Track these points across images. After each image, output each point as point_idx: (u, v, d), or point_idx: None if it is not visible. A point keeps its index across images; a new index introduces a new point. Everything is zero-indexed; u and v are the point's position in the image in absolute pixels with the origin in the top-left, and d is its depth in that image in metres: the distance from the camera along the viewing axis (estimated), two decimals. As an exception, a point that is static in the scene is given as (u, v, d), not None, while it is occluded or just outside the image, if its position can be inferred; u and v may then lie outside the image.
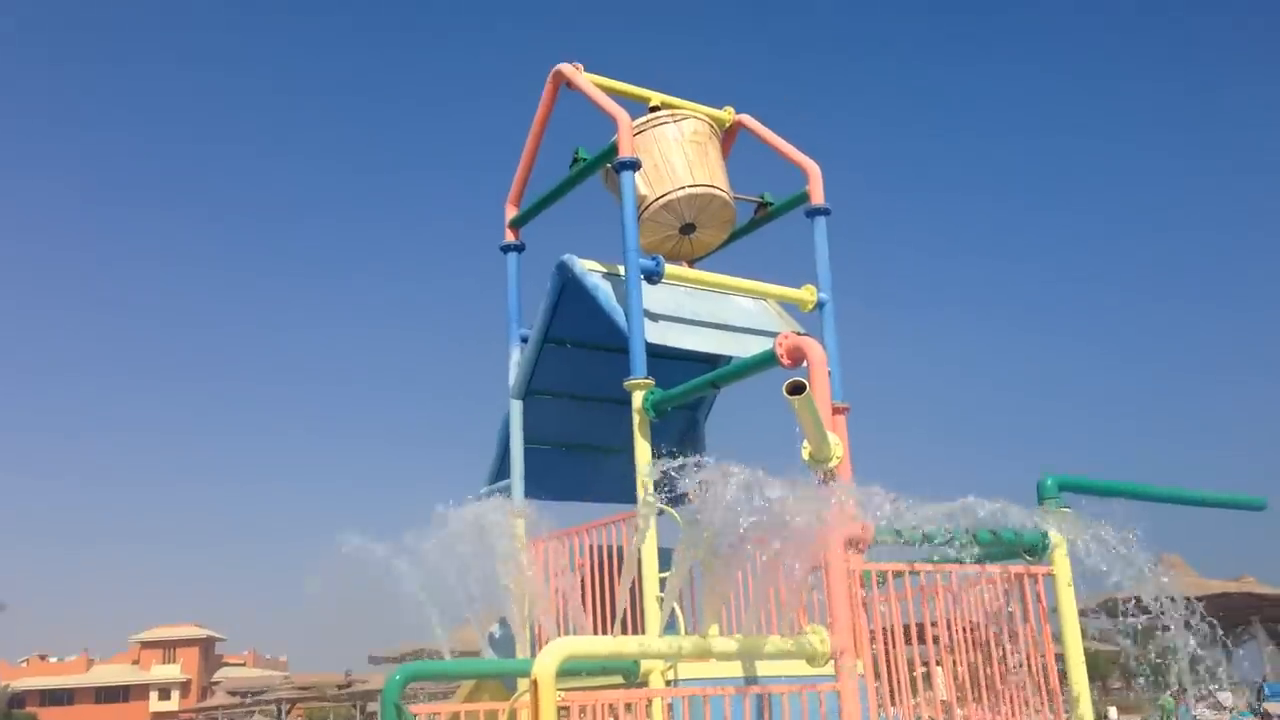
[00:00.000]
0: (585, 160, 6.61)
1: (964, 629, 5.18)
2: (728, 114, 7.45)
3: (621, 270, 6.10)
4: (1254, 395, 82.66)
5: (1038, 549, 5.45)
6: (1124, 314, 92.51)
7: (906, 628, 5.03)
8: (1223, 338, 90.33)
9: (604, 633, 5.77)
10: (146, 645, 69.97)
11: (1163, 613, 4.74)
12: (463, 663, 5.99)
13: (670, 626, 5.26)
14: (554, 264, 6.54)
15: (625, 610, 5.39)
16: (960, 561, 5.21)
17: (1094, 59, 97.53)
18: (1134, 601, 4.78)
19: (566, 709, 3.90)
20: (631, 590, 5.36)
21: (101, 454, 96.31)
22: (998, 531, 5.23)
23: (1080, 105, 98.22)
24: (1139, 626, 4.83)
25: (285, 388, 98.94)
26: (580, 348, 6.99)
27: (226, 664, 72.38)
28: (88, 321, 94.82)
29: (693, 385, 5.70)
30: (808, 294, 6.79)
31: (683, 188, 6.66)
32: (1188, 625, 4.78)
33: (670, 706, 4.72)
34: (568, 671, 3.76)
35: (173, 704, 66.04)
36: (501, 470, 7.00)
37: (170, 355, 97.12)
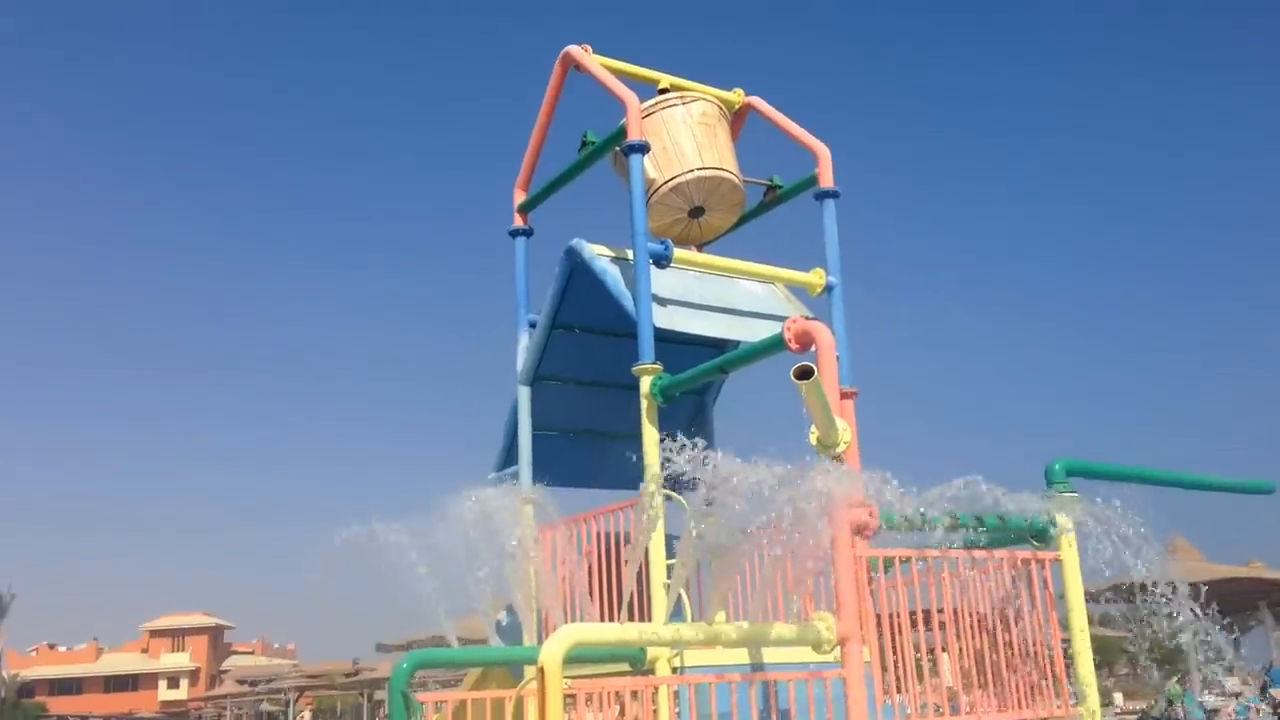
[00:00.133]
0: (594, 144, 6.57)
1: (970, 615, 5.16)
2: (737, 96, 7.40)
3: (630, 254, 6.07)
4: (1259, 383, 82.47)
5: (1045, 534, 5.43)
6: (1130, 302, 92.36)
7: (913, 614, 5.01)
8: (1228, 326, 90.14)
9: (611, 620, 5.77)
10: (155, 634, 70.40)
11: (1169, 600, 4.73)
12: (470, 651, 5.99)
13: (677, 614, 5.25)
14: (562, 249, 6.51)
15: (632, 597, 5.37)
16: (968, 547, 5.20)
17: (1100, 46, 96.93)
18: (1140, 587, 4.76)
19: (573, 697, 3.89)
20: (639, 577, 5.35)
21: (109, 442, 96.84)
22: (1005, 517, 5.21)
23: (1082, 99, 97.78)
24: (1146, 613, 4.81)
25: (292, 376, 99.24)
26: (588, 333, 6.96)
27: (235, 652, 72.75)
28: (94, 313, 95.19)
29: (701, 370, 5.68)
30: (816, 278, 6.75)
31: (691, 171, 6.62)
32: (1194, 612, 4.76)
33: (677, 694, 4.71)
34: (575, 659, 3.75)
35: (181, 692, 66.44)
36: (509, 457, 6.99)
37: (175, 345, 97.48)
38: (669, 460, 4.17)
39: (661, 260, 6.06)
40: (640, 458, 5.59)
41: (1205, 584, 4.98)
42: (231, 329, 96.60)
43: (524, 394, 6.88)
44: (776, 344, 5.02)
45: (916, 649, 4.96)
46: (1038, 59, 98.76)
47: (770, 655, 4.70)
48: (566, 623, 5.34)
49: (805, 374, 4.33)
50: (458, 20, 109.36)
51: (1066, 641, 5.32)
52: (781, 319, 5.68)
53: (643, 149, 6.19)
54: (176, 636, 70.49)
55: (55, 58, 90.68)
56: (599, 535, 5.99)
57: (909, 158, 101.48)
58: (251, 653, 72.84)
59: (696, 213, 6.82)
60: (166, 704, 65.75)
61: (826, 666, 4.34)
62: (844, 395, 6.11)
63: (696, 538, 4.13)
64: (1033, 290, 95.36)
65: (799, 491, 3.85)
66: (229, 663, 68.22)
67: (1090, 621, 5.44)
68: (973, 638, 5.15)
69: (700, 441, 4.17)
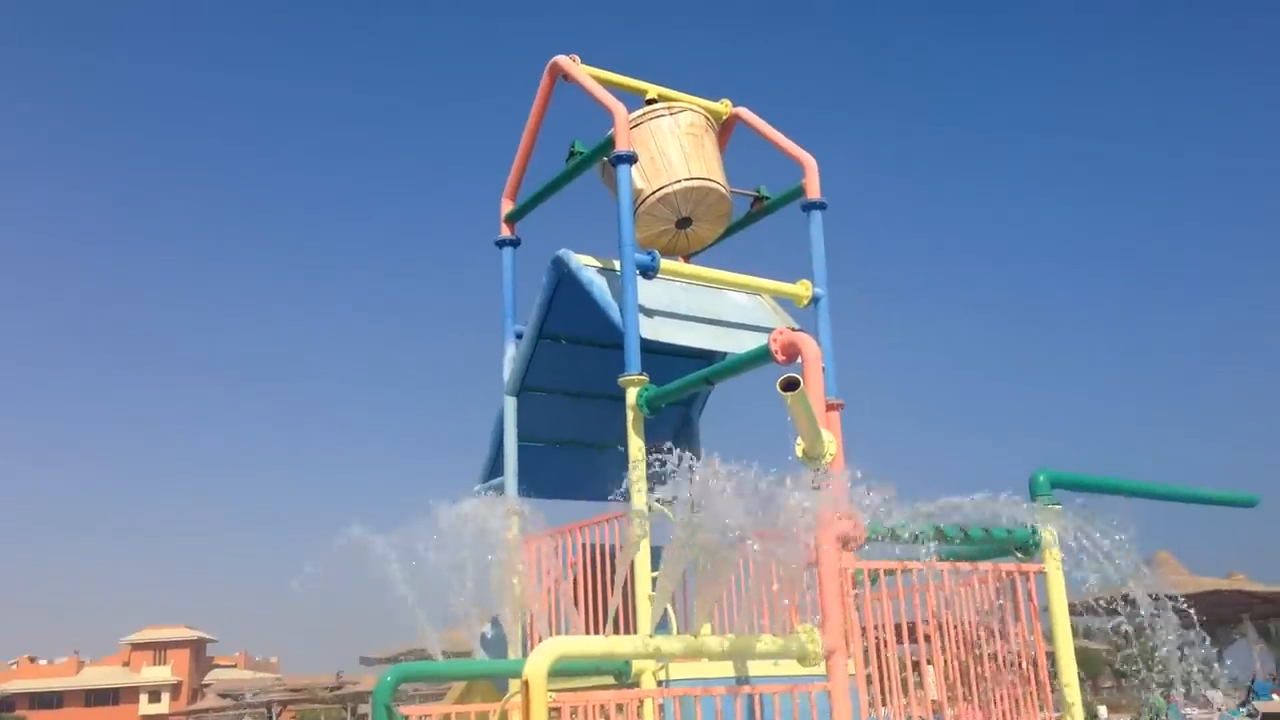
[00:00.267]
0: (581, 154, 6.58)
1: (955, 628, 5.16)
2: (724, 107, 7.42)
3: (617, 265, 6.07)
4: (1251, 388, 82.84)
5: (1029, 546, 5.44)
6: (1120, 307, 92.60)
7: (898, 626, 5.01)
8: (1226, 327, 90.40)
9: (596, 633, 5.74)
10: (137, 647, 69.72)
11: (1155, 612, 4.74)
12: (454, 663, 5.95)
13: (662, 626, 5.23)
14: (549, 259, 6.50)
15: (617, 610, 5.35)
16: (950, 559, 5.20)
17: (1094, 55, 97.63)
18: (1123, 599, 4.77)
19: (558, 710, 3.86)
20: (624, 589, 5.33)
21: (89, 449, 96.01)
22: (989, 529, 5.21)
23: (1082, 99, 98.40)
24: (1129, 625, 4.82)
25: (277, 385, 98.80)
26: (575, 343, 6.95)
27: (217, 666, 72.15)
28: (83, 316, 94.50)
29: (687, 381, 5.67)
30: (803, 289, 6.76)
31: (679, 181, 6.63)
32: (1182, 625, 4.77)
33: (662, 707, 4.68)
34: (559, 672, 3.73)
35: (163, 706, 65.80)
36: (495, 467, 6.96)
37: (162, 353, 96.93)
38: (659, 473, 4.15)
39: (648, 271, 6.06)
40: (626, 469, 5.57)
41: (1188, 596, 4.99)
42: (221, 333, 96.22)
43: (510, 404, 6.86)
44: (763, 355, 5.03)
45: (901, 661, 4.95)
46: (1037, 59, 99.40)
47: (756, 668, 4.69)
48: (551, 635, 5.31)
49: (791, 386, 4.33)
50: (455, 16, 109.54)
51: (1051, 654, 5.32)
52: (768, 330, 5.68)
53: (630, 159, 6.20)
54: (158, 650, 69.84)
55: (55, 57, 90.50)
56: (584, 547, 5.97)
57: (904, 159, 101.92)
58: (234, 666, 72.30)
59: (684, 223, 6.83)
60: (148, 718, 65.16)
61: (812, 679, 4.33)
62: (830, 407, 6.12)
63: (682, 547, 4.11)
64: (1025, 293, 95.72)
65: (786, 504, 3.84)
66: (211, 676, 67.63)
67: (1074, 634, 5.45)
68: (958, 650, 5.15)
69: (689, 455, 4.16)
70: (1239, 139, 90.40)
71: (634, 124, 6.55)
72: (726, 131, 7.46)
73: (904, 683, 4.91)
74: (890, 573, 5.14)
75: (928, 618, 5.12)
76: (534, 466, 6.91)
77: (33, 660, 69.63)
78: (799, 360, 4.81)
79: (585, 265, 6.31)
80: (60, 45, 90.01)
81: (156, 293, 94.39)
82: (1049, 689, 5.26)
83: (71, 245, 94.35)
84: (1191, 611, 4.80)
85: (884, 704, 4.83)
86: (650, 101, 7.00)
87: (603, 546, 5.91)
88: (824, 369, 4.98)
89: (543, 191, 7.00)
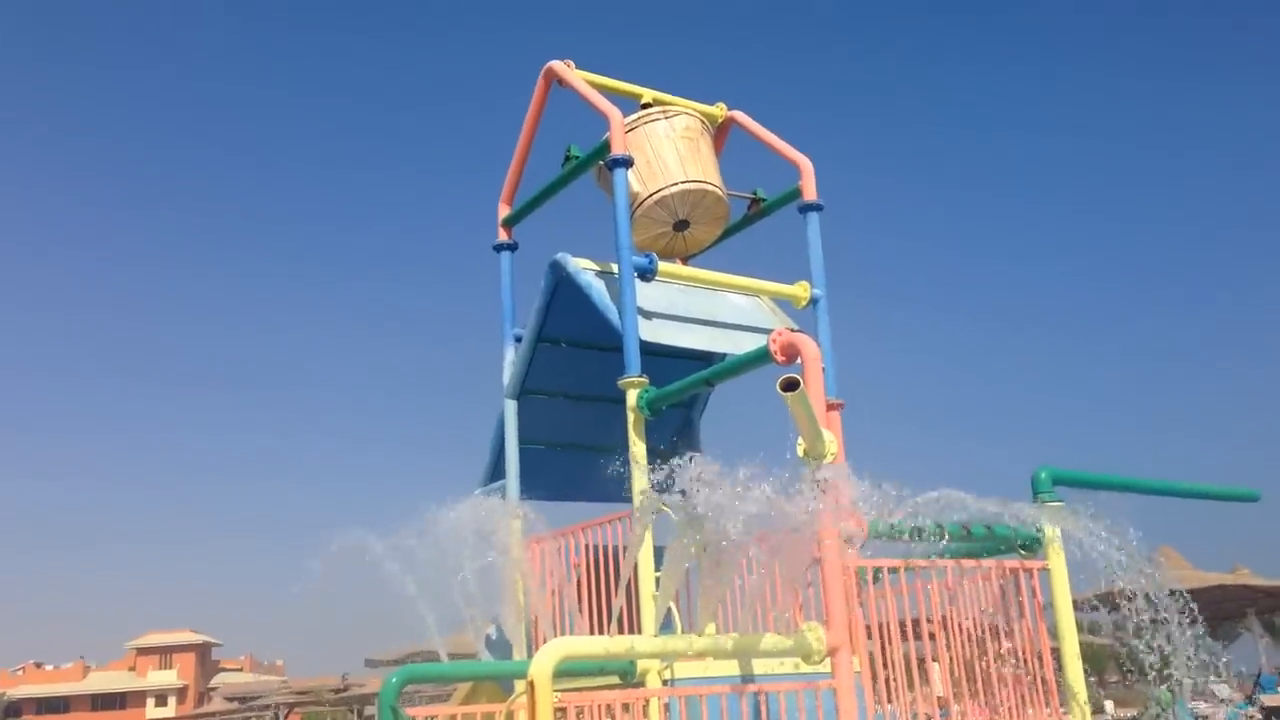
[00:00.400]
0: (577, 158, 6.59)
1: (960, 625, 5.17)
2: (719, 110, 7.44)
3: (615, 268, 6.08)
4: (1251, 388, 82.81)
5: (1033, 543, 5.45)
6: (1120, 308, 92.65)
7: (902, 624, 5.02)
8: (1225, 327, 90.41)
9: (600, 633, 5.76)
10: (143, 651, 69.80)
11: (1159, 609, 4.74)
12: (459, 665, 5.97)
13: (666, 626, 5.24)
14: (547, 263, 6.52)
15: (621, 610, 5.37)
16: (953, 556, 5.21)
17: (1093, 58, 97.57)
18: (1127, 595, 4.78)
19: (563, 710, 3.88)
20: (628, 589, 5.35)
21: (93, 457, 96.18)
22: (992, 526, 5.23)
23: (1074, 102, 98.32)
24: (1134, 620, 4.83)
25: (278, 393, 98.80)
26: (574, 346, 6.97)
27: (223, 669, 72.22)
28: (86, 325, 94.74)
29: (687, 383, 5.69)
30: (801, 290, 6.78)
31: (675, 184, 6.64)
32: (1191, 620, 4.78)
33: (667, 706, 4.70)
34: (564, 672, 3.75)
35: (169, 710, 65.84)
36: (496, 471, 6.98)
37: (163, 362, 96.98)
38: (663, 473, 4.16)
39: (646, 274, 6.08)
40: (627, 471, 5.59)
41: (1192, 591, 4.99)
42: (220, 341, 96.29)
43: (510, 408, 6.88)
44: (762, 356, 5.04)
45: (906, 658, 4.96)
46: (1037, 59, 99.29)
47: (760, 666, 4.70)
48: (556, 636, 5.33)
49: (791, 386, 4.35)
50: (449, 20, 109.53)
51: (1056, 650, 5.34)
52: (767, 331, 5.70)
53: (626, 163, 6.21)
54: (164, 654, 69.92)
55: (54, 63, 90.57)
56: (587, 548, 5.98)
57: (904, 160, 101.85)
58: (240, 669, 72.33)
59: (681, 226, 6.85)
60: (154, 722, 65.25)
61: (817, 677, 4.35)
62: (830, 407, 6.14)
63: (687, 545, 4.13)
64: (1025, 293, 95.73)
65: (790, 504, 3.86)
66: (217, 680, 67.67)
67: (1079, 629, 5.46)
68: (962, 647, 5.16)
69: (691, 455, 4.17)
70: (1239, 139, 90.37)
71: (629, 128, 6.57)
72: (722, 135, 7.48)
73: (909, 678, 4.93)
74: (894, 570, 5.16)
75: (932, 615, 5.13)
76: (535, 469, 6.93)
77: (39, 666, 69.69)
78: (798, 360, 4.82)
79: (583, 268, 6.33)
80: (59, 53, 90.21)
81: (157, 302, 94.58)
82: (1054, 684, 5.28)
83: (71, 255, 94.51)
84: (1193, 606, 4.81)
85: (889, 700, 4.85)
86: (645, 106, 7.02)
87: (605, 547, 5.93)
88: (823, 369, 4.99)
89: (539, 196, 7.02)
